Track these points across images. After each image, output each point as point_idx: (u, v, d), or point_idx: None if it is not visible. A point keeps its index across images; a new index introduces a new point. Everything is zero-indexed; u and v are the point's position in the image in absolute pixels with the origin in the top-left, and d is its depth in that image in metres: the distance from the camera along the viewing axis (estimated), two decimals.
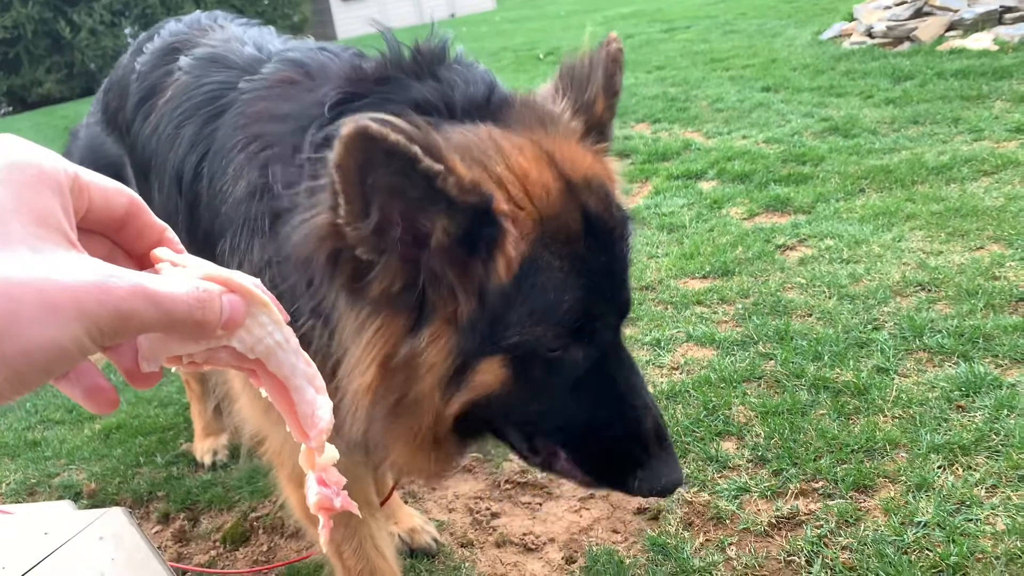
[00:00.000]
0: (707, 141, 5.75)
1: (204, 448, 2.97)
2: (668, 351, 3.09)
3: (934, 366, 2.68)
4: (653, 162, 5.43)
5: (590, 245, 1.25)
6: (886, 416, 2.47)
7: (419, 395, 1.24)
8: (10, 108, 20.14)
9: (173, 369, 0.66)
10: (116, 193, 0.64)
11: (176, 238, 0.69)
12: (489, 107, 1.34)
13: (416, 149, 1.06)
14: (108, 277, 0.53)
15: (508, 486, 2.55)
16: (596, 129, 1.43)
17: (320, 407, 0.68)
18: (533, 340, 1.21)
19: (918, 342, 2.80)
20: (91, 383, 0.61)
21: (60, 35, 19.35)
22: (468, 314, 1.19)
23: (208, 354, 0.65)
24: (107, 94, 2.29)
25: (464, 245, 1.16)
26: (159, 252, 0.66)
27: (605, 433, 1.34)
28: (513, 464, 2.62)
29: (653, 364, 3.02)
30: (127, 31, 20.04)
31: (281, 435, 1.64)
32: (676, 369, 2.98)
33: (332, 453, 0.72)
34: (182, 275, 0.63)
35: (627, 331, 3.13)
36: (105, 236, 0.66)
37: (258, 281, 0.65)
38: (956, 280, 3.14)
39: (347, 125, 1.03)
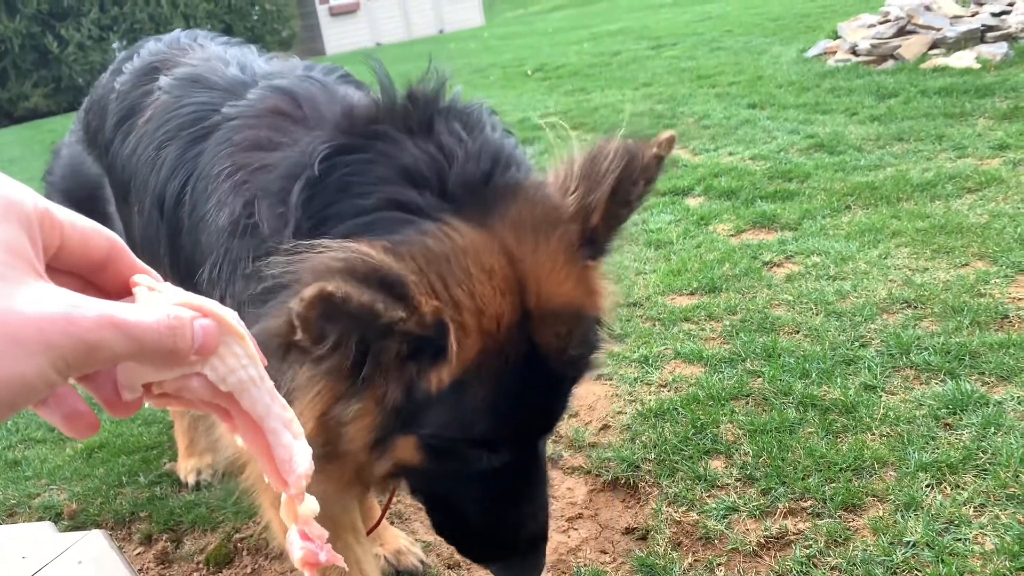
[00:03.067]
0: (694, 158, 5.78)
1: (188, 467, 2.93)
2: (656, 368, 3.08)
3: (921, 383, 2.69)
4: None
5: (526, 380, 1.25)
6: (874, 434, 2.47)
7: (347, 451, 1.31)
8: None
9: (147, 404, 0.65)
10: (94, 234, 0.62)
11: (159, 277, 0.67)
12: (486, 192, 1.23)
13: (380, 307, 1.05)
14: (74, 308, 0.52)
15: None
16: (590, 241, 1.27)
17: (297, 453, 0.67)
18: (446, 440, 1.28)
19: (905, 359, 2.81)
20: (70, 408, 0.60)
21: (48, 49, 19.31)
22: (394, 402, 1.23)
23: (181, 382, 0.63)
24: (87, 113, 2.27)
25: (409, 354, 1.19)
26: (137, 277, 0.65)
27: (490, 523, 1.44)
28: None
29: (642, 382, 3.01)
30: (115, 46, 20.00)
31: None
32: (664, 387, 2.97)
33: (312, 505, 0.71)
34: (155, 301, 0.61)
35: (615, 349, 3.14)
36: (80, 277, 0.64)
37: (235, 314, 0.63)
38: (942, 297, 3.15)
39: (310, 288, 1.00)
